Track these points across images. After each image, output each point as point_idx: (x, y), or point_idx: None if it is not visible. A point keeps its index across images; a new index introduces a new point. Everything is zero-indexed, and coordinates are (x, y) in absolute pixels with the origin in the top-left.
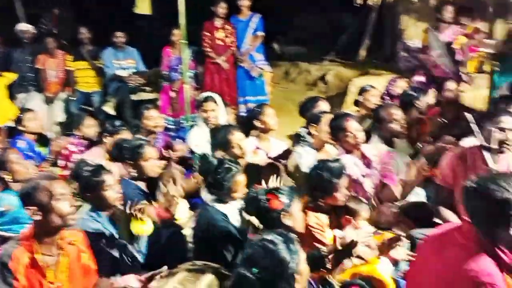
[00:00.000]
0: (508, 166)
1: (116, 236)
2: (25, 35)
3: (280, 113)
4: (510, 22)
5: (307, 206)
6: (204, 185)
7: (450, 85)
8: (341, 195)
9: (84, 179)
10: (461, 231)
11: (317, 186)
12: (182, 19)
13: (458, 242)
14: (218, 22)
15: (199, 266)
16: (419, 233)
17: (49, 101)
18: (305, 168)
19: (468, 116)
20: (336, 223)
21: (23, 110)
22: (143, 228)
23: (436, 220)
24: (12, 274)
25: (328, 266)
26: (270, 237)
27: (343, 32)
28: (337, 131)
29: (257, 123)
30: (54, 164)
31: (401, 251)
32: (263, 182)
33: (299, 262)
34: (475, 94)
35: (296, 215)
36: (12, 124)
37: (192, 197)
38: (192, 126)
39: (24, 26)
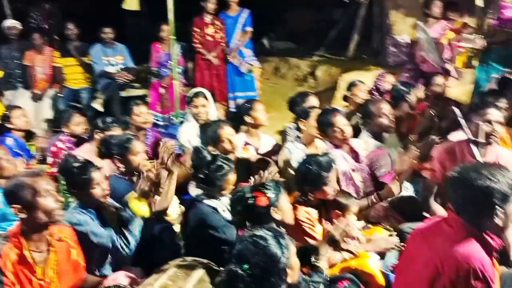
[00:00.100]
0: (496, 159)
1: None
2: (12, 31)
3: (270, 109)
4: (490, 17)
5: (297, 201)
6: (194, 179)
7: (438, 80)
8: (330, 189)
9: (71, 176)
10: (447, 220)
11: (306, 180)
12: (170, 15)
13: (445, 231)
14: (207, 18)
15: (190, 262)
16: (408, 227)
17: (37, 98)
18: (295, 163)
19: (456, 110)
20: (326, 218)
21: (11, 107)
22: (141, 208)
23: (425, 214)
24: (1, 270)
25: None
26: (260, 232)
27: (332, 27)
28: (325, 126)
29: (247, 119)
30: (43, 162)
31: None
32: (251, 179)
33: (290, 256)
34: (462, 89)
35: (284, 208)
36: None
37: (182, 193)
38: (182, 122)
39: (10, 22)
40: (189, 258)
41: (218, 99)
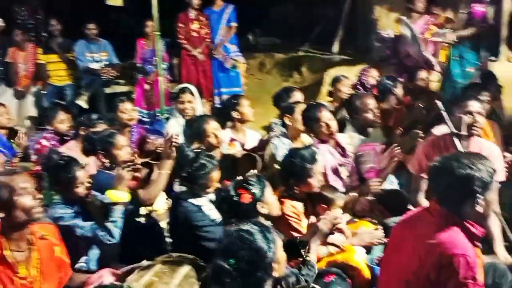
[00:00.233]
0: (479, 150)
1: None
2: None
3: (255, 104)
4: (463, 12)
5: (282, 195)
6: (177, 177)
7: (422, 74)
8: (315, 181)
9: (55, 173)
10: (430, 210)
11: (290, 173)
12: (155, 11)
13: (428, 221)
14: (192, 14)
15: (175, 258)
16: (394, 222)
17: (20, 95)
18: (281, 158)
19: (438, 103)
20: (312, 212)
21: None
22: (120, 196)
23: (411, 207)
24: None
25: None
26: (246, 227)
27: (318, 23)
28: (310, 121)
29: (234, 114)
30: (27, 159)
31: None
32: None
33: (276, 251)
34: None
35: (269, 201)
36: None
37: (170, 189)
38: (167, 119)
39: None
40: (175, 254)
41: (204, 95)
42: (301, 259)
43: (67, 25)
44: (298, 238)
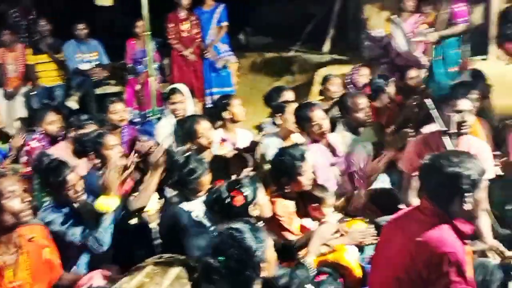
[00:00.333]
0: (469, 149)
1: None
2: None
3: (247, 104)
4: (443, 12)
5: (274, 195)
6: (168, 181)
7: (412, 73)
8: (305, 179)
9: (46, 176)
10: (420, 208)
11: (280, 172)
12: (145, 11)
13: (419, 218)
14: (182, 14)
15: (166, 259)
16: (385, 220)
17: (9, 96)
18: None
19: (428, 102)
20: (304, 212)
21: None
22: (109, 204)
23: (402, 206)
24: None
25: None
26: (236, 225)
27: (308, 22)
28: (303, 121)
29: (225, 114)
30: (17, 161)
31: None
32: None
33: (266, 250)
34: None
35: (261, 202)
36: None
37: (162, 189)
38: (158, 119)
39: None
40: (166, 255)
41: (196, 95)
42: (295, 261)
43: (57, 25)
44: (293, 241)
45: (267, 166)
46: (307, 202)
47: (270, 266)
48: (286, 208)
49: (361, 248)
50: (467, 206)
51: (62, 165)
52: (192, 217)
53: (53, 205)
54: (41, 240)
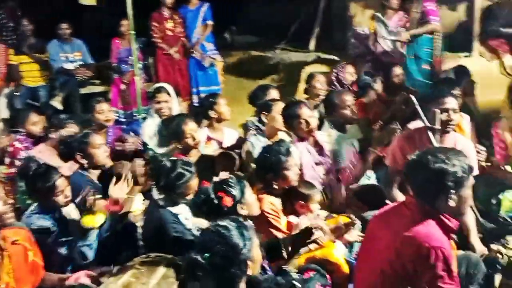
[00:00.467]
0: (454, 145)
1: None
2: None
3: (233, 103)
4: (415, 11)
5: (261, 192)
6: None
7: (397, 70)
8: (292, 174)
9: (34, 182)
10: (406, 203)
11: (266, 169)
12: (129, 10)
13: (405, 213)
14: (166, 12)
15: (154, 258)
16: (371, 215)
17: None
18: None
19: (413, 98)
20: (290, 210)
21: None
22: (94, 220)
23: (388, 202)
24: None
25: (285, 255)
26: (223, 223)
27: (294, 21)
28: (291, 119)
29: (211, 113)
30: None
31: (354, 233)
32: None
33: (252, 249)
34: None
35: (249, 201)
36: None
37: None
38: (144, 118)
39: None
40: (153, 255)
41: (181, 94)
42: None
43: (45, 26)
44: (281, 239)
45: (253, 165)
46: (294, 200)
47: (255, 265)
48: (273, 205)
49: (350, 244)
50: (451, 203)
51: (51, 171)
52: (179, 220)
53: (39, 210)
54: (24, 243)
